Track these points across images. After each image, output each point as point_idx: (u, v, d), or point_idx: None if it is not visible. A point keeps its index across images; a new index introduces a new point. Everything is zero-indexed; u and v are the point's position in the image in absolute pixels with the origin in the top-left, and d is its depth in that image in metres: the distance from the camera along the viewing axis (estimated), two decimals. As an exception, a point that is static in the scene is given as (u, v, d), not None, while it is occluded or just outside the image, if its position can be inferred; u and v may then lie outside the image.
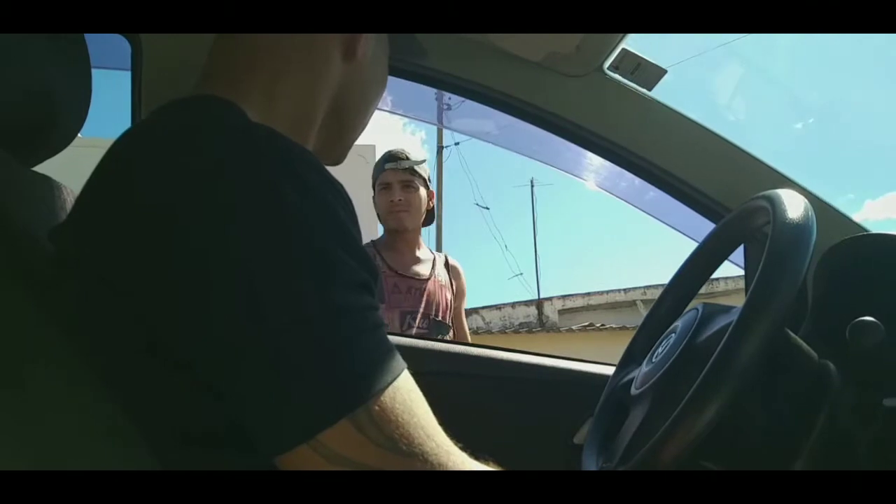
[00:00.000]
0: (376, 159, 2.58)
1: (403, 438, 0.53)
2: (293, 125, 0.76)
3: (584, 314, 12.07)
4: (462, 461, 0.56)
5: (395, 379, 0.54)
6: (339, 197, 0.59)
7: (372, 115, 0.92)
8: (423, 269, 2.50)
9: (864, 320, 0.73)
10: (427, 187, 2.54)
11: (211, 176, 0.56)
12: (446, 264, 2.59)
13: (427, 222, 2.60)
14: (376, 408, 0.52)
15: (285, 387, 0.52)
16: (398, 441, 0.53)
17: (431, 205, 2.56)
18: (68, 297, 0.62)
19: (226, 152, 0.57)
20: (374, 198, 2.56)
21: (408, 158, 2.49)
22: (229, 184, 0.55)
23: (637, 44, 1.18)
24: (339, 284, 0.54)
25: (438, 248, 10.72)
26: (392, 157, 2.49)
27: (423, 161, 2.50)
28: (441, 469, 0.54)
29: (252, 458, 0.55)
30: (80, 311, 0.61)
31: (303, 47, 0.77)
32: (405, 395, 0.55)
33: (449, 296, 2.51)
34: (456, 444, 0.57)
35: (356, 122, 0.88)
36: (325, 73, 0.79)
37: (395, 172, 2.48)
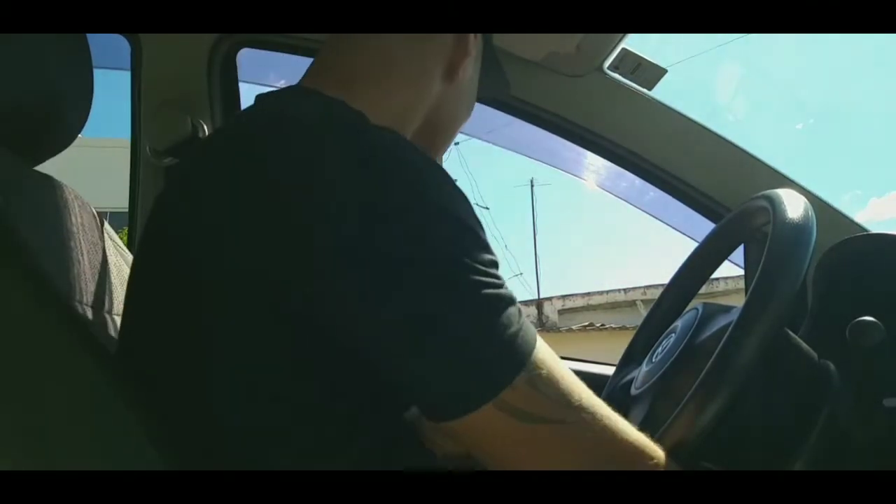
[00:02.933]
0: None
1: (572, 393, 0.59)
2: None
3: (583, 314, 12.05)
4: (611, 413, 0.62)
5: (537, 341, 0.59)
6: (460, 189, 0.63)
7: (455, 137, 0.94)
8: None
9: (863, 320, 0.73)
10: None
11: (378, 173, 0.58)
12: None
13: None
14: (538, 363, 0.57)
15: (463, 357, 0.56)
16: (568, 395, 0.58)
17: None
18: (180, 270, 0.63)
19: (375, 148, 0.60)
20: None
21: None
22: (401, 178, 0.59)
23: (637, 44, 1.18)
24: (490, 265, 0.58)
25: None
26: None
27: None
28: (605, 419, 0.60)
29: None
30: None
31: (410, 62, 0.80)
32: (552, 353, 0.60)
33: None
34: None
35: (442, 141, 0.90)
36: (425, 91, 0.81)
37: None
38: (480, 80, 0.93)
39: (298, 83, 0.78)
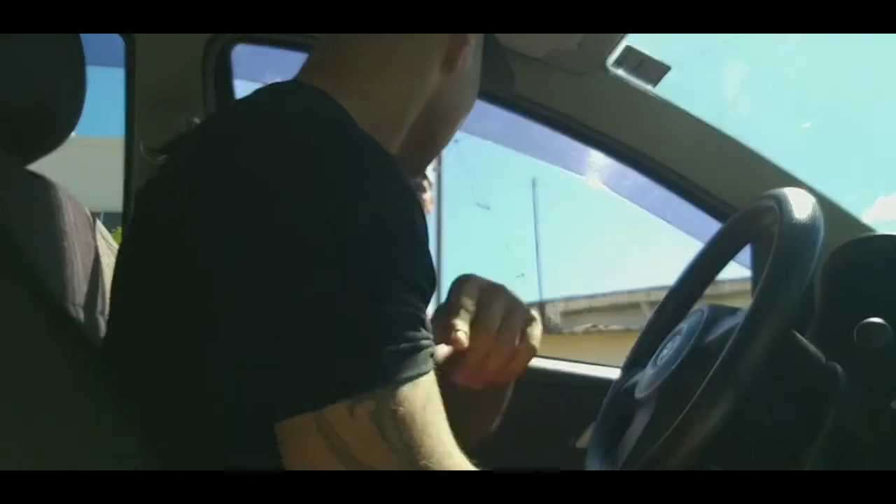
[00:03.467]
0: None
1: (422, 447, 0.50)
2: (382, 129, 0.75)
3: (587, 316, 12.06)
4: None
5: (419, 377, 0.52)
6: (419, 208, 0.60)
7: (457, 130, 0.92)
8: None
9: (871, 321, 0.73)
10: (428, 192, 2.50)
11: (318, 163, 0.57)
12: None
13: None
14: (397, 399, 0.50)
15: (309, 355, 0.51)
16: (414, 448, 0.50)
17: (430, 210, 2.55)
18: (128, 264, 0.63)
19: (335, 144, 0.59)
20: None
21: None
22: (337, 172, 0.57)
23: (641, 40, 1.18)
24: (397, 279, 0.54)
25: (439, 249, 10.68)
26: None
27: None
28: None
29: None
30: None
31: (406, 52, 0.78)
32: (431, 397, 0.53)
33: None
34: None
35: (443, 134, 0.88)
36: (422, 82, 0.80)
37: None
38: (482, 71, 0.91)
39: (294, 78, 0.77)
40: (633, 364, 1.02)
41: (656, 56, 1.20)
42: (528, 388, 1.37)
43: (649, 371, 0.88)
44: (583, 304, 12.52)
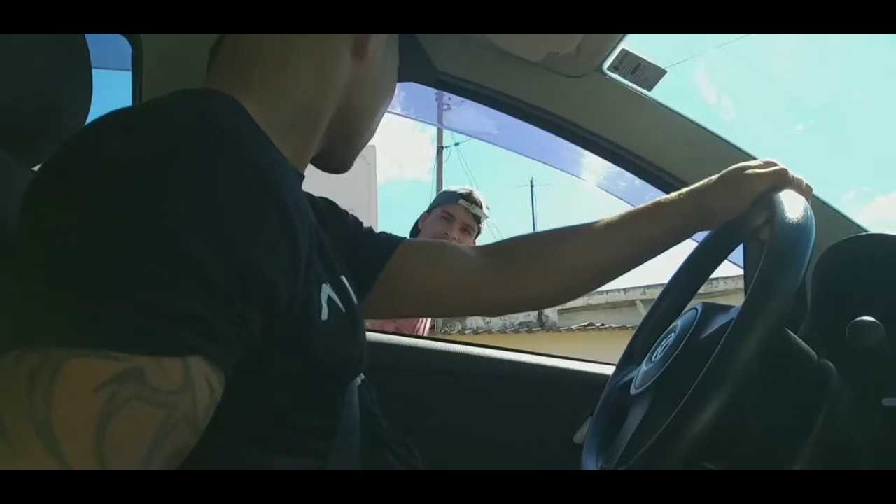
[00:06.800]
0: (377, 160, 2.53)
1: (60, 426, 0.44)
2: (299, 121, 0.76)
3: (583, 314, 12.02)
4: None
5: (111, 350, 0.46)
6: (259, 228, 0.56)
7: (379, 120, 0.91)
8: None
9: (863, 320, 0.73)
10: (475, 237, 2.48)
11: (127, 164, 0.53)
12: None
13: None
14: (65, 365, 0.45)
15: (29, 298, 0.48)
16: (54, 423, 0.44)
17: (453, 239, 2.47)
18: None
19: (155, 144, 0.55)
20: (422, 218, 2.51)
21: (481, 206, 2.45)
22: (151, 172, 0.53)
23: (637, 44, 1.18)
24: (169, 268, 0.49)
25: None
26: (470, 198, 2.44)
27: (487, 218, 2.49)
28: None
29: None
30: None
31: (312, 42, 0.76)
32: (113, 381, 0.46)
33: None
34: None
35: (364, 124, 0.87)
36: (334, 70, 0.78)
37: (465, 212, 2.43)
38: (403, 61, 0.91)
39: (206, 80, 0.76)
40: (629, 361, 1.02)
41: (652, 60, 1.20)
42: (527, 385, 1.39)
43: (644, 368, 0.88)
44: (580, 302, 12.45)
